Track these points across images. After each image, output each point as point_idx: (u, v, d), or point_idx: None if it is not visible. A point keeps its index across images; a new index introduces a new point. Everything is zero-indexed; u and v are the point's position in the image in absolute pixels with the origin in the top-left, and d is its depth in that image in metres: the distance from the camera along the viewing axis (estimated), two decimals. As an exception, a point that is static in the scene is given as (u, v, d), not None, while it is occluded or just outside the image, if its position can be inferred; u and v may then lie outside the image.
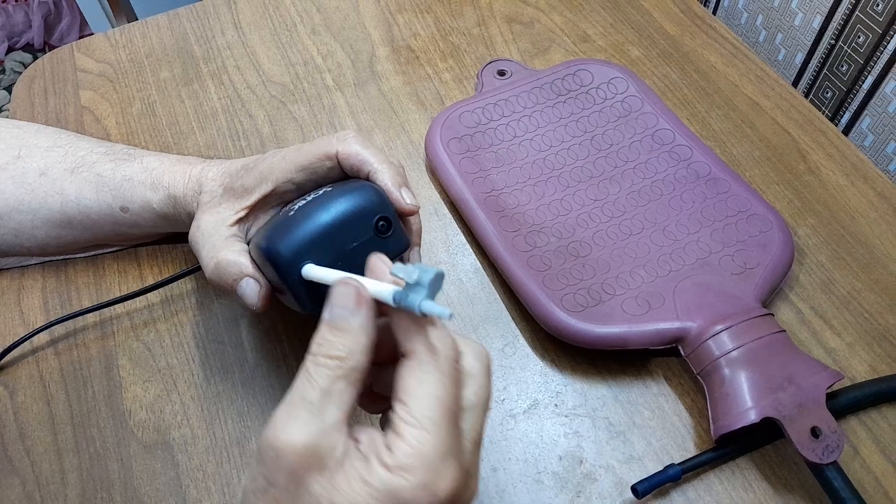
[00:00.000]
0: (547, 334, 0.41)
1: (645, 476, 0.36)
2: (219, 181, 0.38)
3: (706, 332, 0.38)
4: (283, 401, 0.25)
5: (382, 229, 0.32)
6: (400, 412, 0.24)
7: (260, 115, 0.55)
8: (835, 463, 0.34)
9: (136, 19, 1.24)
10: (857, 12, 0.54)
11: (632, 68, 0.56)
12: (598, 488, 0.36)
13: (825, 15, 0.57)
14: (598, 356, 0.41)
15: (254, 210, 0.37)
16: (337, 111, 0.55)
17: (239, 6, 0.64)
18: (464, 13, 0.62)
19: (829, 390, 0.36)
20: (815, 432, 0.34)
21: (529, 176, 0.47)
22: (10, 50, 1.76)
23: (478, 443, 0.26)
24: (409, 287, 0.24)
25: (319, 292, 0.31)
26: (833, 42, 0.57)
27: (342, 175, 0.36)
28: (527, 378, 0.40)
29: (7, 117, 0.49)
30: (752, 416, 0.35)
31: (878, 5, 0.52)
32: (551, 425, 0.39)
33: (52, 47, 1.75)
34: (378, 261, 0.27)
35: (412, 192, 0.35)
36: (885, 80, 0.54)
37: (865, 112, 0.57)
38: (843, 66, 0.57)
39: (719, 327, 0.38)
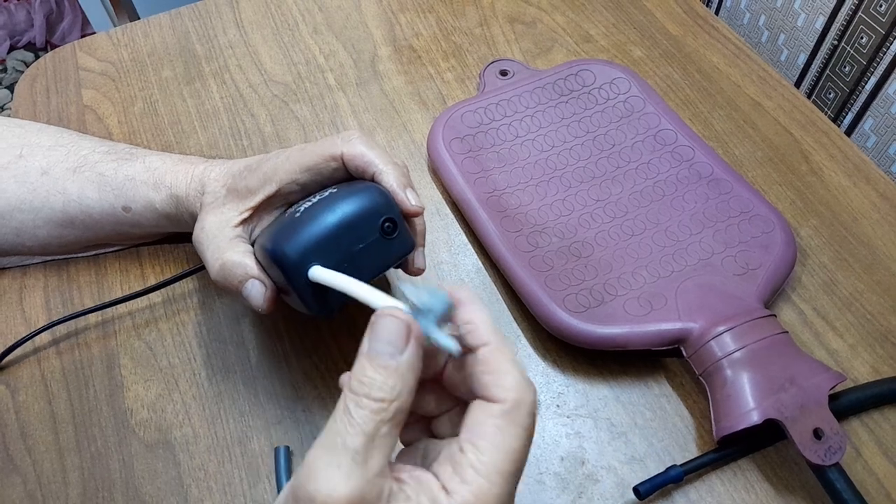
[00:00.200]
0: (548, 335, 0.41)
1: (647, 477, 0.36)
2: (222, 181, 0.38)
3: (708, 333, 0.38)
4: (318, 441, 0.23)
5: (388, 231, 0.32)
6: (471, 457, 0.23)
7: (262, 114, 0.55)
8: (837, 464, 0.34)
9: (138, 18, 1.24)
10: (860, 13, 0.54)
11: (634, 68, 0.56)
12: (600, 489, 0.36)
13: (828, 16, 0.57)
14: (599, 357, 0.41)
15: (258, 211, 0.37)
16: (339, 111, 0.55)
17: (241, 5, 0.64)
18: (466, 13, 0.62)
19: (832, 392, 0.36)
20: (817, 434, 0.34)
21: (531, 176, 0.47)
22: (11, 49, 1.76)
23: (518, 483, 0.25)
24: (418, 311, 0.24)
25: (326, 294, 0.31)
26: (836, 43, 0.57)
27: (347, 176, 0.36)
28: (528, 378, 0.40)
29: (9, 116, 0.49)
30: (755, 418, 0.35)
31: (881, 6, 0.52)
32: (553, 426, 0.39)
33: (53, 46, 1.75)
34: (465, 291, 0.26)
35: (416, 193, 0.35)
36: (888, 82, 0.54)
37: (868, 113, 0.57)
38: (845, 67, 0.57)
39: (721, 328, 0.38)
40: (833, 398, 0.37)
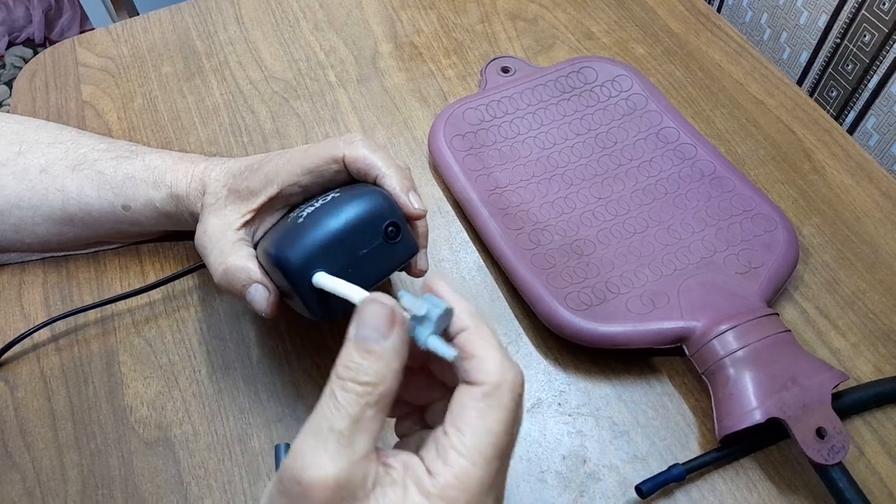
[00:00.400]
0: (550, 333, 0.41)
1: (649, 476, 0.36)
2: (222, 181, 0.38)
3: (711, 332, 0.38)
4: (305, 427, 0.23)
5: (392, 235, 0.32)
6: (454, 440, 0.23)
7: (262, 110, 0.54)
8: (840, 464, 0.34)
9: (137, 14, 1.23)
10: (863, 11, 0.54)
11: (636, 66, 0.56)
12: (602, 488, 0.36)
13: (830, 13, 0.57)
14: (601, 355, 0.40)
15: (259, 213, 0.37)
16: (339, 107, 0.54)
17: (241, 1, 0.63)
18: (467, 9, 0.61)
19: (834, 391, 0.36)
20: (820, 433, 0.34)
21: (533, 173, 0.47)
22: (10, 45, 1.75)
23: (507, 468, 0.25)
24: (418, 320, 0.24)
25: (330, 299, 0.31)
26: (838, 41, 0.57)
27: (348, 178, 0.36)
28: (530, 377, 0.40)
29: (8, 112, 0.48)
30: (757, 417, 0.34)
31: (884, 4, 0.52)
32: (555, 424, 0.38)
33: (52, 42, 1.74)
34: (441, 281, 0.27)
35: (419, 195, 0.35)
36: (891, 80, 0.54)
37: (870, 111, 0.56)
38: (848, 65, 0.57)
39: (724, 327, 0.37)
40: (836, 397, 0.37)
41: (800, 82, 0.63)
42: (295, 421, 0.39)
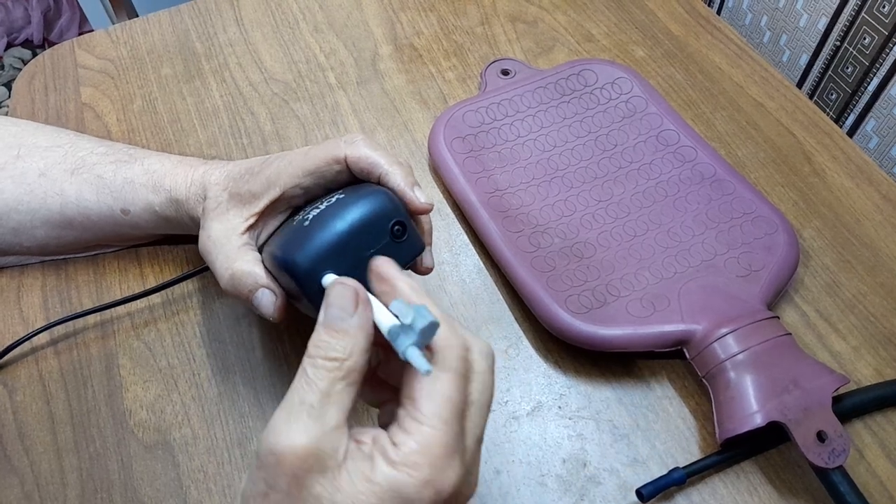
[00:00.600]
0: (550, 336, 0.41)
1: (649, 479, 0.35)
2: (222, 185, 0.38)
3: (711, 335, 0.38)
4: (281, 405, 0.25)
5: (398, 234, 0.32)
6: (409, 409, 0.25)
7: (262, 112, 0.54)
8: (840, 467, 0.34)
9: (137, 16, 1.23)
10: (862, 14, 0.54)
11: (636, 68, 0.56)
12: (602, 491, 0.36)
13: (830, 16, 0.57)
14: (602, 358, 0.40)
15: (263, 216, 0.37)
16: (339, 110, 0.54)
17: (241, 3, 0.63)
18: (467, 12, 0.61)
19: (835, 394, 0.36)
20: (820, 436, 0.34)
21: (533, 176, 0.47)
22: (9, 46, 1.75)
23: (479, 440, 0.26)
24: (403, 328, 0.25)
25: None
26: (838, 43, 0.57)
27: (350, 178, 0.36)
28: (530, 380, 0.40)
29: (6, 114, 0.48)
30: (758, 420, 0.34)
31: (884, 7, 0.52)
32: (555, 428, 0.38)
33: (51, 44, 1.74)
34: (392, 268, 0.28)
35: (423, 191, 0.35)
36: (891, 83, 0.54)
37: (870, 114, 0.56)
38: (848, 68, 0.57)
39: (725, 330, 0.37)
40: (836, 401, 0.37)
41: (800, 85, 0.63)
42: (295, 424, 0.39)
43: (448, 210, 0.48)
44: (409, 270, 0.37)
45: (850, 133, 0.59)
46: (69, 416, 0.40)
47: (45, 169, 0.42)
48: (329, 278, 0.31)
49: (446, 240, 0.47)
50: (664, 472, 0.36)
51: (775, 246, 0.42)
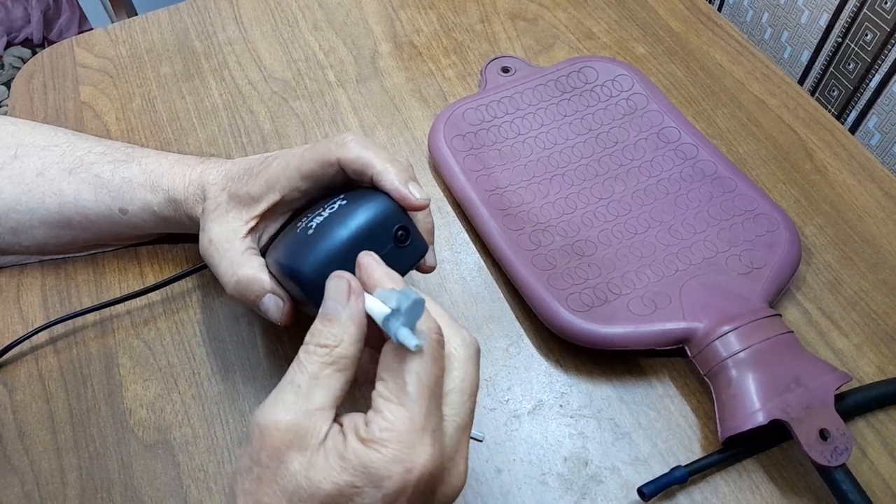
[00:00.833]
0: (551, 334, 0.41)
1: (651, 478, 0.35)
2: (220, 185, 0.38)
3: (713, 333, 0.37)
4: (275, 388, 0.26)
5: (402, 238, 0.33)
6: (379, 388, 0.26)
7: (261, 111, 0.54)
8: (843, 465, 0.34)
9: (136, 14, 1.23)
10: (864, 10, 0.54)
11: (637, 66, 0.56)
12: (604, 490, 0.36)
13: (832, 13, 0.57)
14: (603, 356, 0.40)
15: (263, 219, 0.37)
16: (339, 108, 0.54)
17: (240, 1, 0.63)
18: (467, 9, 0.61)
19: (837, 392, 0.36)
20: (823, 434, 0.34)
21: (534, 174, 0.47)
22: (8, 45, 1.75)
23: (462, 429, 0.27)
24: (393, 313, 0.25)
25: None
26: (840, 40, 0.57)
27: (347, 178, 0.36)
28: (531, 378, 0.40)
29: (6, 113, 0.48)
30: (760, 418, 0.34)
31: (886, 3, 0.52)
32: (556, 426, 0.38)
33: (50, 42, 1.74)
34: (370, 259, 0.29)
35: (420, 186, 0.34)
36: (893, 79, 0.53)
37: (872, 111, 0.56)
38: (849, 65, 0.57)
39: (726, 328, 0.37)
40: (839, 398, 0.37)
41: (801, 82, 0.62)
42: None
43: (448, 208, 0.48)
44: (413, 270, 0.37)
45: (852, 130, 0.59)
46: (69, 416, 0.39)
47: (42, 168, 0.42)
48: None
49: (447, 238, 0.46)
50: (666, 470, 0.36)
51: (777, 243, 0.42)
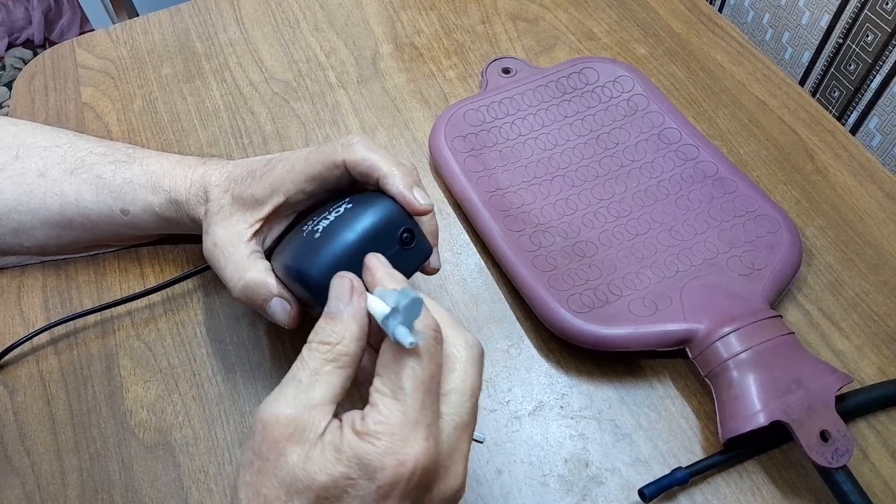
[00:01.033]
0: (552, 335, 0.41)
1: (652, 479, 0.35)
2: (223, 187, 0.38)
3: (714, 334, 0.37)
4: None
5: (407, 241, 0.33)
6: (376, 384, 0.26)
7: (262, 112, 0.54)
8: (844, 467, 0.34)
9: (137, 15, 1.23)
10: (865, 11, 0.54)
11: (638, 66, 0.56)
12: (605, 491, 0.36)
13: (833, 13, 0.56)
14: (604, 358, 0.40)
15: (268, 221, 0.37)
16: (340, 109, 0.54)
17: (241, 2, 0.63)
18: (468, 10, 0.61)
19: (838, 393, 0.36)
20: (824, 436, 0.34)
21: (534, 175, 0.47)
22: (10, 46, 1.75)
23: (461, 428, 0.27)
24: (392, 312, 0.26)
25: None
26: (841, 41, 0.57)
27: (353, 180, 0.36)
28: (532, 379, 0.40)
29: (7, 114, 0.48)
30: (761, 420, 0.34)
31: (887, 4, 0.52)
32: (557, 427, 0.38)
33: (52, 43, 1.74)
34: (375, 260, 0.29)
35: (425, 191, 0.34)
36: (894, 80, 0.53)
37: (873, 112, 0.56)
38: (850, 66, 0.57)
39: (727, 329, 0.37)
40: (840, 400, 0.37)
41: (802, 82, 0.62)
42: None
43: (449, 209, 0.48)
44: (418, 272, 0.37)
45: (853, 131, 0.59)
46: (70, 417, 0.39)
47: (44, 169, 0.42)
48: None
49: (447, 239, 0.46)
50: (667, 471, 0.36)
51: (778, 244, 0.42)
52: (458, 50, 0.58)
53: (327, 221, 0.33)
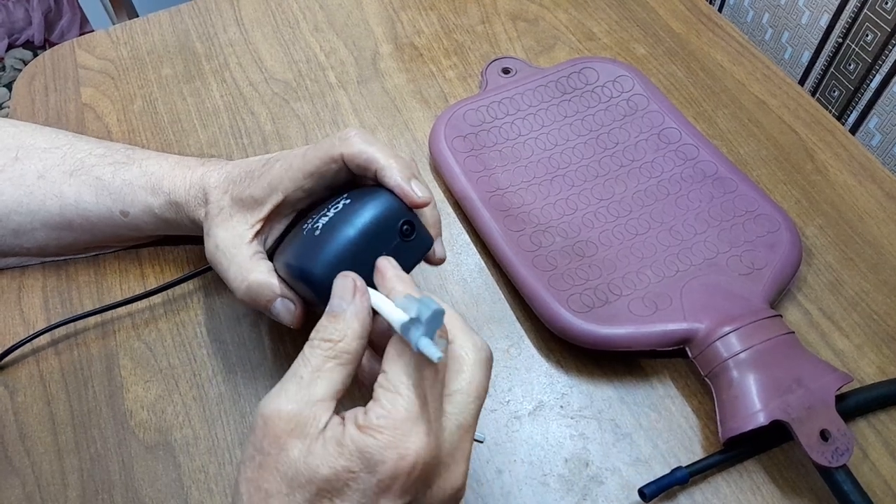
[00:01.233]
0: (552, 335, 0.41)
1: (652, 479, 0.35)
2: (222, 188, 0.37)
3: (714, 334, 0.37)
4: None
5: (407, 233, 0.33)
6: (380, 379, 0.26)
7: (262, 112, 0.54)
8: (844, 466, 0.34)
9: (137, 16, 1.23)
10: (865, 10, 0.54)
11: (637, 66, 0.56)
12: (605, 491, 0.36)
13: (833, 13, 0.57)
14: (604, 357, 0.40)
15: (268, 221, 0.37)
16: (340, 109, 0.54)
17: (241, 3, 0.63)
18: (468, 10, 0.61)
19: (838, 393, 0.36)
20: (824, 435, 0.34)
21: (534, 175, 0.47)
22: (10, 47, 1.75)
23: (464, 429, 0.27)
24: (413, 321, 0.26)
25: None
26: (840, 40, 0.57)
27: (350, 175, 0.36)
28: (532, 379, 0.40)
29: (7, 115, 0.48)
30: (761, 419, 0.34)
31: (886, 3, 0.52)
32: (557, 427, 0.38)
33: (52, 44, 1.74)
34: (387, 264, 0.30)
35: (423, 182, 0.34)
36: (894, 80, 0.53)
37: (873, 111, 0.56)
38: (850, 65, 0.57)
39: (727, 329, 0.37)
40: (839, 399, 0.37)
41: (802, 82, 0.62)
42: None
43: (449, 209, 0.48)
44: (422, 264, 0.37)
45: (853, 130, 0.59)
46: (70, 417, 0.39)
47: (43, 171, 0.42)
48: None
49: (447, 239, 0.46)
50: (667, 471, 0.36)
51: (778, 244, 0.42)
52: (457, 50, 0.58)
53: (326, 218, 0.33)
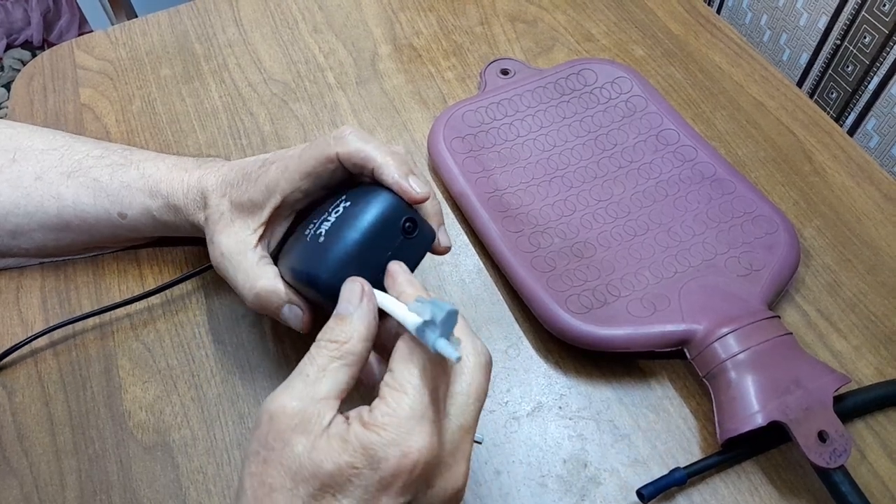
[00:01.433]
0: (551, 336, 0.41)
1: (650, 480, 0.35)
2: (220, 192, 0.37)
3: (712, 335, 0.37)
4: None
5: (410, 230, 0.33)
6: (386, 378, 0.27)
7: (261, 113, 0.54)
8: (842, 467, 0.34)
9: (136, 16, 1.23)
10: (863, 12, 0.54)
11: (636, 68, 0.56)
12: (603, 492, 0.36)
13: (831, 15, 0.57)
14: (602, 358, 0.40)
15: (270, 224, 0.37)
16: (339, 110, 0.54)
17: (240, 3, 0.63)
18: (466, 11, 0.61)
19: (836, 394, 0.36)
20: (822, 436, 0.34)
21: (533, 176, 0.47)
22: (8, 47, 1.75)
23: (465, 430, 0.28)
24: (427, 324, 0.26)
25: None
26: (838, 42, 0.57)
27: (347, 173, 0.36)
28: (530, 380, 0.40)
29: (6, 115, 0.48)
30: (759, 420, 0.34)
31: (884, 5, 0.52)
32: (555, 428, 0.38)
33: (50, 45, 1.74)
34: (398, 268, 0.30)
35: (421, 177, 0.34)
36: (891, 81, 0.53)
37: (871, 113, 0.56)
38: (848, 67, 0.57)
39: (725, 330, 0.37)
40: (837, 400, 0.37)
41: (800, 84, 0.63)
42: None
43: (448, 210, 0.48)
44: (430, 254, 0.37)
45: (851, 132, 0.59)
46: (68, 418, 0.39)
47: (41, 172, 0.42)
48: None
49: (446, 240, 0.46)
50: (665, 472, 0.36)
51: (776, 245, 0.42)
52: (456, 51, 0.58)
53: (328, 224, 0.33)
